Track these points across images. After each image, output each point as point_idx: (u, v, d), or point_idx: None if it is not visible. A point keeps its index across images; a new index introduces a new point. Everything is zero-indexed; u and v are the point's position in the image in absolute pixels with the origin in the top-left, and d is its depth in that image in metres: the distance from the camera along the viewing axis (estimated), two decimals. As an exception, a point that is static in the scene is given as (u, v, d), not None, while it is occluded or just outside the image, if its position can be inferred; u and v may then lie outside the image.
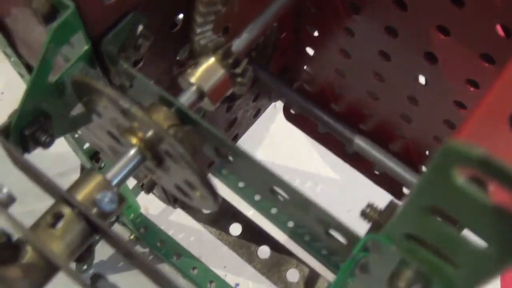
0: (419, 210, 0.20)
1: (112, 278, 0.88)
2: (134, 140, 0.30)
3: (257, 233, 0.59)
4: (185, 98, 0.33)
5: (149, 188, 0.50)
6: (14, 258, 0.28)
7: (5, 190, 0.27)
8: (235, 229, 0.61)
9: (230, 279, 0.88)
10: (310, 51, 0.53)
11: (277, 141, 0.96)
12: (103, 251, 0.89)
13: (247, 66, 0.34)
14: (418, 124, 0.49)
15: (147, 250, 0.90)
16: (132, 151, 0.30)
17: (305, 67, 0.55)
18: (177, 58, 0.39)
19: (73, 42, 0.31)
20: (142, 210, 0.94)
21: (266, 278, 0.58)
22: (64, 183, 0.30)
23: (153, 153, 0.30)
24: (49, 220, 0.29)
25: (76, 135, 0.50)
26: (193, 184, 0.30)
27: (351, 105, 0.52)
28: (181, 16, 0.37)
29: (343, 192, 0.92)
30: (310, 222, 0.28)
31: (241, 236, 0.59)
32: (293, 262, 0.57)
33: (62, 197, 0.28)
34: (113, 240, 0.28)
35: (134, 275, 0.89)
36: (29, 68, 0.50)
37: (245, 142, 0.97)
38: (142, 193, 0.91)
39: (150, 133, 0.29)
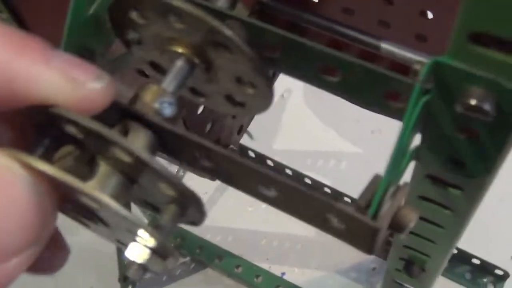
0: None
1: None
2: (180, 49, 0.31)
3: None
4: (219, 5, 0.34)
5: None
6: (88, 174, 0.28)
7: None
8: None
9: (275, 269, 0.88)
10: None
11: (291, 128, 0.97)
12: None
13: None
14: (435, 41, 0.50)
15: (188, 259, 0.89)
16: (180, 61, 0.31)
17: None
18: None
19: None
20: (175, 221, 0.94)
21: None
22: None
23: (200, 57, 0.31)
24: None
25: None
26: (246, 76, 0.31)
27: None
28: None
29: (368, 164, 0.92)
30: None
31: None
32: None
33: (125, 110, 0.29)
34: (181, 139, 0.28)
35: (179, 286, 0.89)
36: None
37: (260, 136, 0.98)
38: (172, 204, 0.92)
39: (196, 31, 0.29)
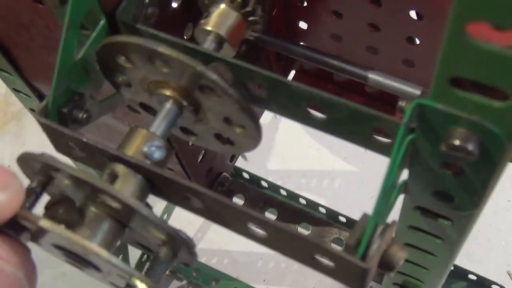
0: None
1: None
2: (168, 92, 0.31)
3: (294, 213, 0.60)
4: (206, 47, 0.35)
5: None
6: (80, 220, 0.28)
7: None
8: (271, 214, 0.61)
9: (272, 290, 0.88)
10: (303, 25, 0.55)
11: (284, 148, 0.98)
12: None
13: (256, 5, 0.36)
14: (423, 66, 0.51)
15: (184, 282, 0.89)
16: (169, 103, 0.31)
17: (301, 43, 0.56)
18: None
19: (88, 22, 0.33)
20: (171, 244, 0.94)
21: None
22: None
23: (188, 99, 0.31)
24: (105, 180, 0.29)
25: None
26: (233, 117, 0.31)
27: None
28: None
29: (361, 180, 0.93)
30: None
31: (278, 219, 0.60)
32: (335, 231, 0.58)
33: (114, 156, 0.29)
34: (171, 183, 0.29)
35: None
36: (42, 98, 0.51)
37: (254, 156, 0.98)
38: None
39: (182, 75, 0.30)
